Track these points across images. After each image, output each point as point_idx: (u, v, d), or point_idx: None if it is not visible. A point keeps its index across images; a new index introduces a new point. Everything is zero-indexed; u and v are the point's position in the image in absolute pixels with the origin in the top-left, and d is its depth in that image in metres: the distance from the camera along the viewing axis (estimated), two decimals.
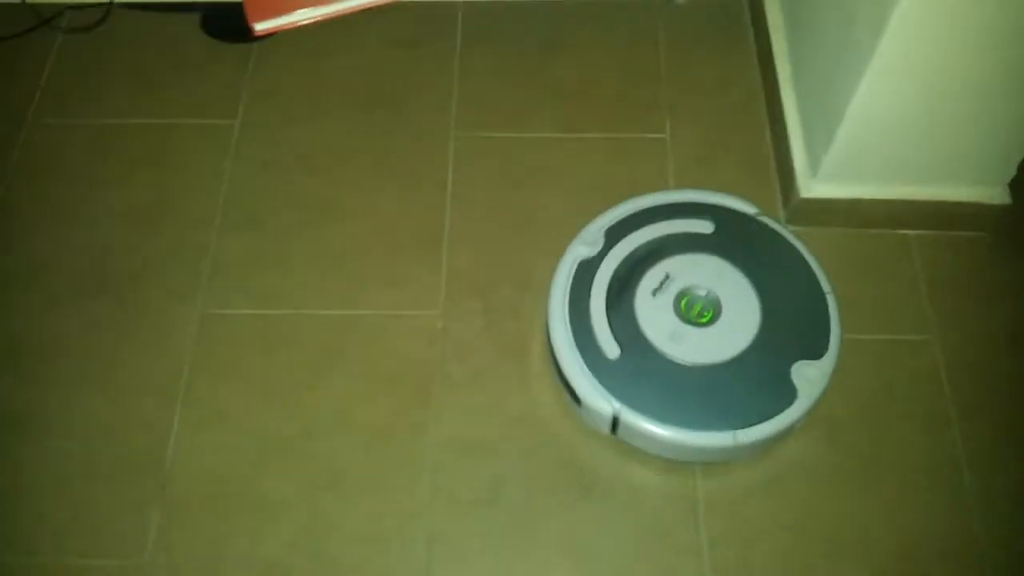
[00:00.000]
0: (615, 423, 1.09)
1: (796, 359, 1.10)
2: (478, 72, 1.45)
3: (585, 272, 1.16)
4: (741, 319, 1.13)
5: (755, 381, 1.09)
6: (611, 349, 1.11)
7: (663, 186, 1.33)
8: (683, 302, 1.14)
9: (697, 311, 1.14)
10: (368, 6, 0.85)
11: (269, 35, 0.81)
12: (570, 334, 1.12)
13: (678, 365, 1.10)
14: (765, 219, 1.21)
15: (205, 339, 1.23)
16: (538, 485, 1.13)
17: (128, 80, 1.45)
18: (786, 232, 1.20)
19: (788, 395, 1.08)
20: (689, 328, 1.12)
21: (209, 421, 1.17)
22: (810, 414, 1.10)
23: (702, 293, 1.15)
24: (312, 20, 0.92)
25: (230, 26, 1.48)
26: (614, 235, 1.18)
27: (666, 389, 1.09)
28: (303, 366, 1.21)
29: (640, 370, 1.10)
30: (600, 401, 1.09)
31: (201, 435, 1.16)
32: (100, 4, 1.51)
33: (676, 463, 1.13)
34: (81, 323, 1.24)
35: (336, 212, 1.33)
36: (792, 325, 1.13)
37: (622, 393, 1.09)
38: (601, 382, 1.09)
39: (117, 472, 1.14)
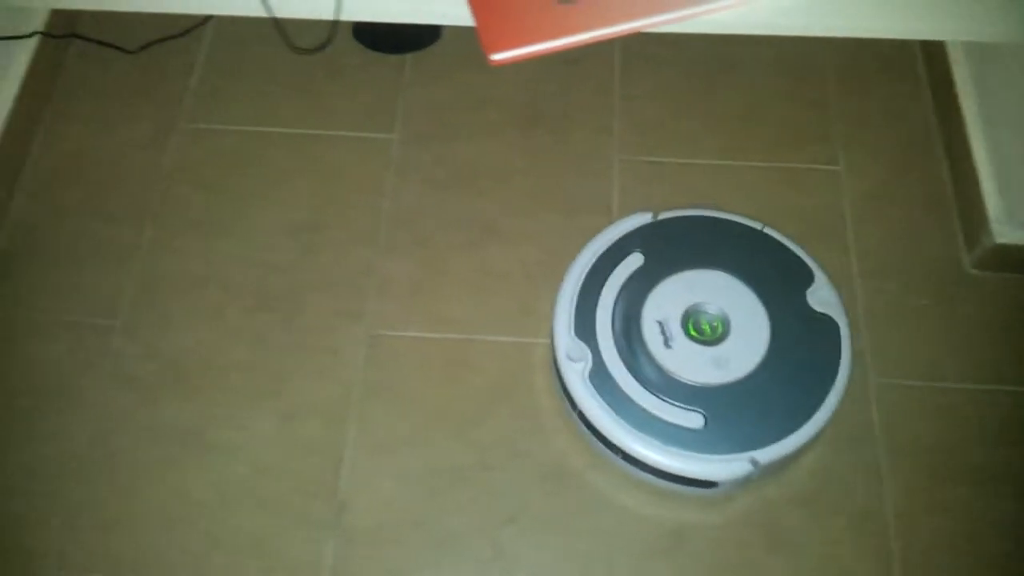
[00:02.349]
0: (755, 467, 1.05)
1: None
2: (639, 94, 1.41)
3: (601, 380, 1.09)
4: (746, 314, 1.11)
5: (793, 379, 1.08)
6: (693, 420, 1.06)
7: (839, 220, 1.29)
8: (691, 330, 1.11)
9: (709, 329, 1.11)
10: (609, 36, 0.81)
11: (508, 62, 0.77)
12: (652, 440, 1.05)
13: (741, 382, 1.08)
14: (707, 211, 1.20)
15: (374, 361, 1.20)
16: (724, 536, 1.09)
17: (279, 87, 1.42)
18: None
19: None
20: (717, 348, 1.09)
21: (381, 447, 1.15)
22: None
23: (710, 310, 1.12)
24: (551, 51, 0.89)
25: (382, 36, 1.45)
26: (586, 327, 1.12)
27: (757, 409, 1.06)
28: (476, 394, 1.18)
29: (727, 411, 1.06)
30: (732, 465, 1.04)
31: (374, 461, 1.14)
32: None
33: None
34: (245, 340, 1.21)
35: (499, 234, 1.30)
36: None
37: (736, 442, 1.05)
38: (716, 450, 1.05)
39: (288, 497, 1.12)
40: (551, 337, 1.13)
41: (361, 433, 1.15)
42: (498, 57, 0.80)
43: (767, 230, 1.18)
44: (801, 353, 1.09)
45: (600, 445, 1.10)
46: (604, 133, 1.38)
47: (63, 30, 1.42)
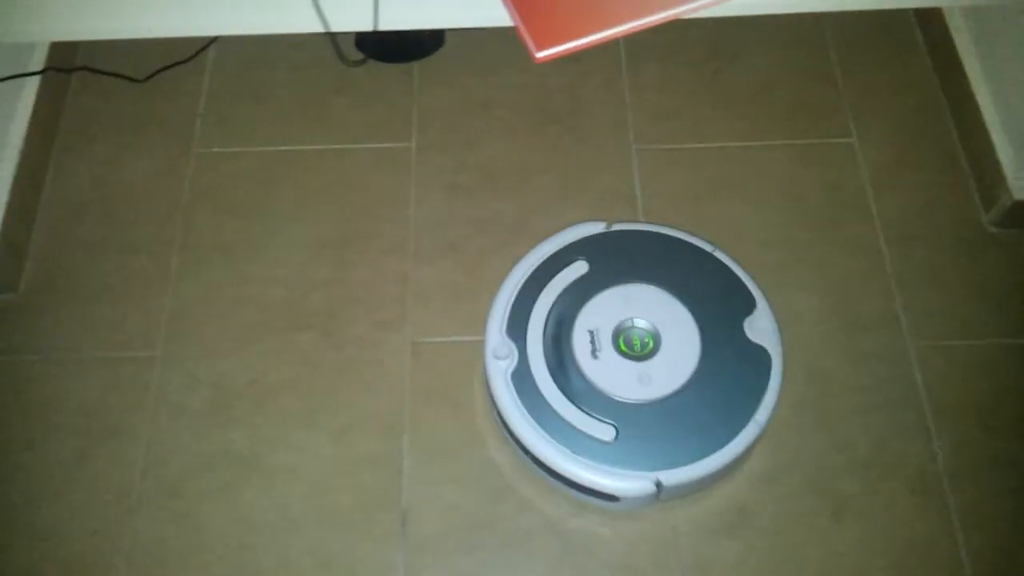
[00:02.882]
0: (659, 490, 1.04)
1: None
2: (648, 85, 1.43)
3: (521, 381, 1.08)
4: (679, 335, 1.10)
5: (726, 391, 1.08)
6: (605, 432, 1.05)
7: (859, 192, 1.32)
8: (621, 344, 1.10)
9: (639, 344, 1.10)
10: (650, 25, 0.83)
11: (552, 58, 0.78)
12: (561, 446, 1.04)
13: (664, 400, 1.07)
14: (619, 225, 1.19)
15: (420, 368, 1.20)
16: (788, 508, 1.11)
17: (289, 105, 1.42)
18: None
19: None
20: (643, 364, 1.08)
21: (438, 453, 1.15)
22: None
23: (642, 325, 1.11)
24: (593, 43, 0.90)
25: (387, 46, 1.45)
26: (518, 326, 1.11)
27: (670, 431, 1.05)
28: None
29: (640, 428, 1.05)
30: (636, 482, 1.03)
31: (433, 469, 1.14)
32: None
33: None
34: (289, 360, 1.21)
35: (529, 235, 1.30)
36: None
37: (643, 460, 1.04)
38: (622, 465, 1.04)
39: (352, 512, 1.11)
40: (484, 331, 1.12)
41: (416, 441, 1.15)
42: (543, 54, 0.81)
43: (717, 253, 1.16)
44: (727, 381, 1.07)
45: (517, 448, 1.10)
46: (618, 125, 1.40)
47: (64, 64, 1.40)
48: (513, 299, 1.13)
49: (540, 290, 1.13)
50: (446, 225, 1.31)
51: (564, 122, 1.40)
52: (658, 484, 1.03)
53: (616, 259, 1.16)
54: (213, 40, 1.43)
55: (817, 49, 1.46)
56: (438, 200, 1.33)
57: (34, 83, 1.35)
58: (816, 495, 1.12)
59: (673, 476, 1.03)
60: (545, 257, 1.16)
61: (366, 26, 0.84)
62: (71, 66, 1.41)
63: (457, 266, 1.28)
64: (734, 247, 1.28)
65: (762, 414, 1.06)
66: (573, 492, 1.08)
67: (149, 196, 1.33)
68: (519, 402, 1.07)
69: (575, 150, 1.38)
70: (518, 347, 1.10)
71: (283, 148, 1.38)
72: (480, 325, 1.22)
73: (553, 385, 1.08)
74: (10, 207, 1.26)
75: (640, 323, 1.11)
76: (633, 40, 1.47)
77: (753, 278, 1.15)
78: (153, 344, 1.21)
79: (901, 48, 1.46)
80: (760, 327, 1.11)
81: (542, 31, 0.85)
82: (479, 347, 1.20)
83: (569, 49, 0.83)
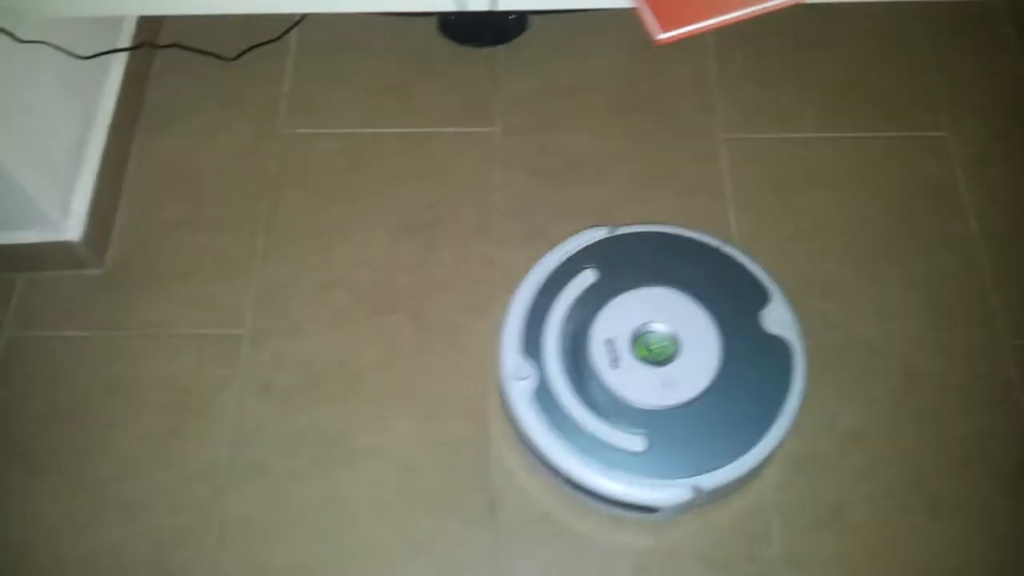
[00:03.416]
0: (697, 496, 1.01)
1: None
2: (735, 74, 1.41)
3: (544, 400, 1.05)
4: (697, 335, 1.08)
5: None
6: (635, 443, 1.03)
7: (951, 185, 1.30)
8: (640, 350, 1.07)
9: (659, 348, 1.08)
10: (773, 8, 0.81)
11: (672, 40, 0.77)
12: (592, 462, 1.02)
13: (691, 403, 1.04)
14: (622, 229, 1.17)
15: None
16: (884, 504, 1.10)
17: (372, 88, 1.41)
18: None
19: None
20: (665, 368, 1.06)
21: None
22: None
23: (660, 329, 1.08)
24: (714, 26, 0.88)
25: (469, 29, 1.44)
26: (534, 344, 1.08)
27: (702, 434, 1.03)
28: None
29: (671, 434, 1.03)
30: (674, 491, 1.01)
31: (520, 456, 1.13)
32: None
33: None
34: (376, 342, 1.20)
35: (614, 220, 1.28)
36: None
37: (678, 467, 1.02)
38: (658, 475, 1.02)
39: (441, 495, 1.11)
40: (498, 353, 1.10)
41: (503, 427, 1.14)
42: (664, 36, 0.81)
43: (725, 248, 1.14)
44: (751, 376, 1.05)
45: (543, 468, 1.07)
46: (705, 112, 1.38)
47: (150, 41, 1.41)
48: (526, 316, 1.10)
49: (551, 304, 1.11)
50: (529, 211, 1.30)
51: (649, 109, 1.39)
52: (696, 490, 1.01)
53: (624, 264, 1.13)
54: (301, 19, 1.43)
55: (907, 41, 1.43)
56: (521, 185, 1.32)
57: (122, 59, 1.35)
58: (912, 493, 1.10)
59: (711, 480, 1.01)
60: (552, 269, 1.13)
61: (482, 6, 0.83)
62: (159, 43, 1.41)
63: (543, 251, 1.26)
64: (825, 240, 1.26)
65: (791, 404, 1.04)
66: (610, 508, 1.05)
67: (234, 176, 1.33)
68: (544, 422, 1.04)
69: (661, 137, 1.36)
70: (536, 366, 1.07)
71: (367, 130, 1.37)
72: None
73: (577, 401, 1.05)
74: (99, 183, 1.26)
75: (657, 327, 1.09)
76: (720, 29, 1.45)
77: (765, 269, 1.13)
78: (242, 322, 1.21)
79: (993, 40, 1.43)
80: (777, 318, 1.09)
81: (665, 13, 0.84)
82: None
83: (690, 31, 0.82)
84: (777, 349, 1.07)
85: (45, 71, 1.17)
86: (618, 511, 1.06)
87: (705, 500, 1.04)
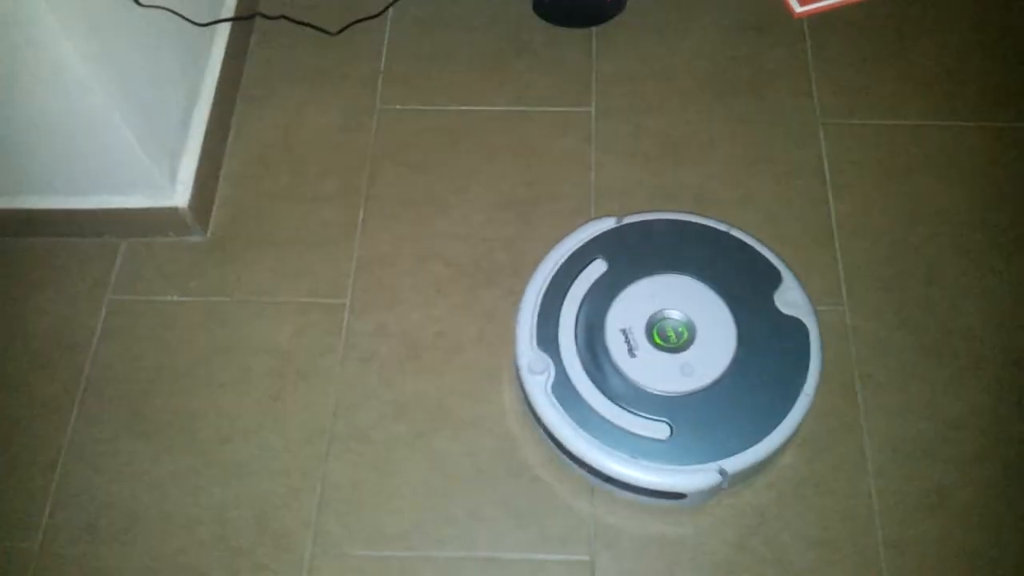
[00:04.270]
0: (724, 478, 1.01)
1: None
2: (833, 57, 1.40)
3: (564, 392, 1.05)
4: (712, 320, 1.07)
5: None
6: (659, 431, 1.03)
7: None
8: (656, 337, 1.07)
9: (674, 335, 1.07)
10: None
11: (810, 14, 0.76)
12: (617, 452, 1.02)
13: (710, 387, 1.04)
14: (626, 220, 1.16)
15: None
16: (987, 492, 1.08)
17: (468, 66, 1.42)
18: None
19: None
20: (682, 355, 1.06)
21: None
22: None
23: (675, 316, 1.08)
24: (848, 2, 0.88)
25: (566, 10, 1.44)
26: (549, 337, 1.08)
27: (724, 417, 1.03)
28: None
29: (694, 420, 1.03)
30: (700, 476, 1.01)
31: None
32: None
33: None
34: (475, 315, 1.22)
35: (713, 203, 1.29)
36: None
37: (703, 452, 1.02)
38: (683, 461, 1.02)
39: (541, 467, 1.12)
40: (514, 348, 1.09)
41: None
42: (804, 9, 0.81)
43: (733, 231, 1.14)
44: (769, 357, 1.05)
45: (566, 458, 1.07)
46: (803, 97, 1.37)
47: (249, 12, 1.42)
48: (538, 309, 1.10)
49: (564, 296, 1.11)
50: (626, 191, 1.30)
51: (746, 93, 1.38)
52: (722, 472, 1.00)
53: (634, 253, 1.13)
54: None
55: (1008, 30, 1.41)
56: (617, 165, 1.33)
57: (224, 31, 1.37)
58: (1017, 480, 1.09)
59: (736, 462, 1.01)
60: (562, 261, 1.13)
61: None
62: (259, 14, 1.43)
63: None
64: (928, 227, 1.25)
65: (810, 385, 1.04)
66: (639, 497, 1.05)
67: (332, 149, 1.35)
68: (566, 415, 1.04)
69: (758, 121, 1.35)
70: (553, 359, 1.07)
71: (464, 108, 1.38)
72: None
73: (597, 391, 1.05)
74: (203, 151, 1.28)
75: (672, 314, 1.09)
76: (817, 14, 1.44)
77: (775, 252, 1.12)
78: (344, 292, 1.23)
79: None
80: (790, 299, 1.09)
81: None
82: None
83: (828, 5, 0.82)
84: (792, 329, 1.08)
85: (160, 37, 1.19)
86: (646, 499, 1.05)
87: (732, 483, 1.03)
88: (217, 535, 1.09)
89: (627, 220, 1.17)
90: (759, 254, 1.13)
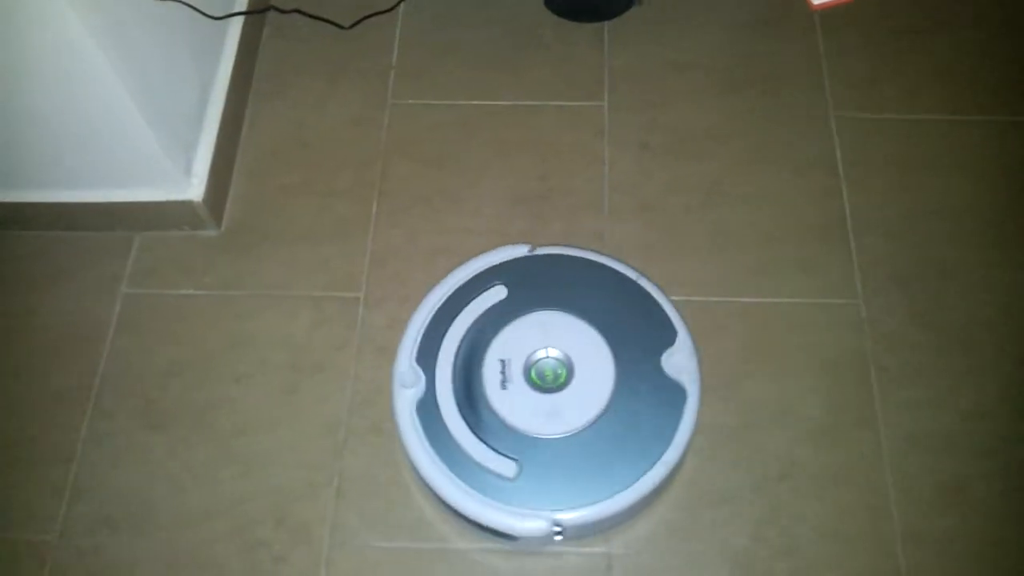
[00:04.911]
0: (560, 532, 1.00)
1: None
2: (847, 52, 1.40)
3: (427, 411, 1.04)
4: (593, 368, 1.05)
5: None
6: (506, 468, 1.00)
7: None
8: (533, 375, 1.06)
9: (551, 375, 1.06)
10: None
11: (828, 7, 0.76)
12: (460, 481, 1.00)
13: (571, 436, 1.02)
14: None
15: None
16: (1007, 485, 1.09)
17: (480, 61, 1.42)
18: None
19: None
20: (553, 396, 1.04)
21: None
22: None
23: (556, 356, 1.06)
24: None
25: (576, 4, 1.44)
26: (429, 354, 1.07)
27: (575, 469, 1.00)
28: (733, 354, 1.17)
29: (543, 464, 1.00)
30: (533, 522, 0.99)
31: None
32: None
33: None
34: None
35: (726, 196, 1.29)
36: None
37: (543, 499, 0.99)
38: (521, 504, 0.99)
39: None
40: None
41: None
42: (820, 1, 0.81)
43: (641, 281, 1.12)
44: (640, 417, 1.02)
45: (420, 482, 1.06)
46: (815, 90, 1.37)
47: (263, 5, 1.42)
48: (427, 324, 1.09)
49: (455, 316, 1.09)
50: (639, 185, 1.30)
51: (758, 86, 1.38)
52: (557, 524, 0.98)
53: (536, 285, 1.11)
54: None
55: None
56: (630, 160, 1.33)
57: (237, 24, 1.37)
58: None
59: (572, 517, 0.98)
60: (464, 281, 1.12)
61: None
62: (272, 7, 1.43)
63: (653, 225, 1.27)
64: (943, 221, 1.25)
65: (671, 455, 1.01)
66: (475, 530, 1.03)
67: (345, 143, 1.35)
68: (422, 433, 1.02)
69: (770, 114, 1.35)
70: (427, 376, 1.06)
71: (475, 103, 1.38)
72: (684, 285, 1.22)
73: (458, 416, 1.03)
74: (217, 144, 1.28)
75: (553, 353, 1.07)
76: (833, 7, 1.44)
77: (678, 309, 1.09)
78: (359, 286, 1.23)
79: None
80: (677, 362, 1.06)
81: None
82: (688, 306, 1.18)
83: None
84: (671, 394, 1.04)
85: (175, 30, 1.19)
86: (480, 532, 1.03)
87: (570, 536, 1.01)
88: (234, 527, 1.09)
89: (540, 251, 1.15)
90: (661, 310, 1.10)
